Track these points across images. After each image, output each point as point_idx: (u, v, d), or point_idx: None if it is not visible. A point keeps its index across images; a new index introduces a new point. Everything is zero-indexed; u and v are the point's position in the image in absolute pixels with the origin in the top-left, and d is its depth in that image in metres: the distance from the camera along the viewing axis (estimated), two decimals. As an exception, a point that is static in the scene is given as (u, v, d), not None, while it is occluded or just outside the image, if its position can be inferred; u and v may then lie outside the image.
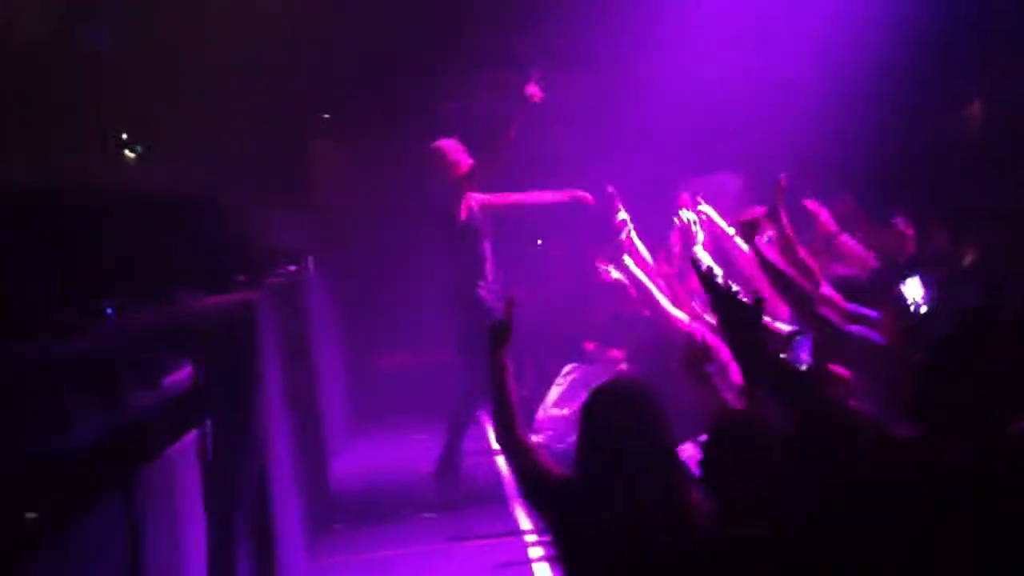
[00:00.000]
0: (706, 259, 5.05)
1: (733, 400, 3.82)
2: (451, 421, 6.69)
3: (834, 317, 4.03)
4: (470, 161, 6.51)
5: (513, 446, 3.07)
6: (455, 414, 6.69)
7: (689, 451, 3.24)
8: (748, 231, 4.59)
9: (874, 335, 3.86)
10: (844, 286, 4.48)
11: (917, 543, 2.27)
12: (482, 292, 6.50)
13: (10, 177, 5.08)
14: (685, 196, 5.49)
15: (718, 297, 2.87)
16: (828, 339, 3.85)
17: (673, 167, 8.63)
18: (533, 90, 6.53)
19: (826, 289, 4.32)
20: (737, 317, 2.80)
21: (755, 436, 2.76)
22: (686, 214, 5.31)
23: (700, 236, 5.13)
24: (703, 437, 2.97)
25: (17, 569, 2.43)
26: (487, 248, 6.59)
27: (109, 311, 3.39)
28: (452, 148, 6.58)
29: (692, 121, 8.94)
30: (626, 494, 2.70)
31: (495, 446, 7.72)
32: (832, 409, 2.70)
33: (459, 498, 6.35)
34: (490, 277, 6.59)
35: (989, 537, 2.25)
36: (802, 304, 4.07)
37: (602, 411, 2.81)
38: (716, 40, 8.80)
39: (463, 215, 6.49)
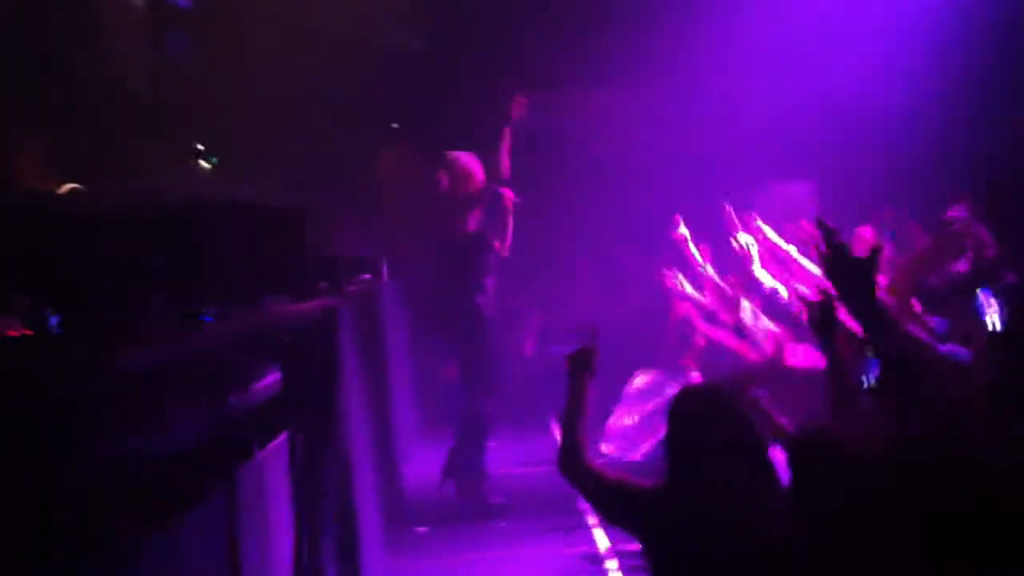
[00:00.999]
0: (767, 280, 5.10)
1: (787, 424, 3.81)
2: (462, 434, 6.70)
3: (923, 336, 3.98)
4: (482, 177, 6.69)
5: (580, 474, 3.07)
6: (467, 427, 6.71)
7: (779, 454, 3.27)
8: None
9: (964, 352, 3.81)
10: (923, 295, 4.47)
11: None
12: (480, 305, 6.64)
13: (103, 189, 5.26)
14: (728, 209, 5.53)
15: (832, 256, 2.80)
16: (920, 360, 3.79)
17: (744, 174, 8.66)
18: (517, 109, 6.81)
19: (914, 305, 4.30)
20: (851, 275, 2.75)
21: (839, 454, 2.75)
22: (743, 237, 5.36)
23: (756, 258, 5.18)
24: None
25: (127, 559, 2.54)
26: (490, 262, 6.74)
27: (205, 318, 3.51)
28: (468, 161, 6.76)
29: (765, 129, 8.95)
30: (716, 492, 2.73)
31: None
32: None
33: (524, 504, 6.43)
34: (490, 291, 6.73)
35: None
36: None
37: (691, 410, 2.86)
38: (789, 50, 8.83)
39: (468, 227, 6.68)
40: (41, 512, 2.17)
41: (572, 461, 3.08)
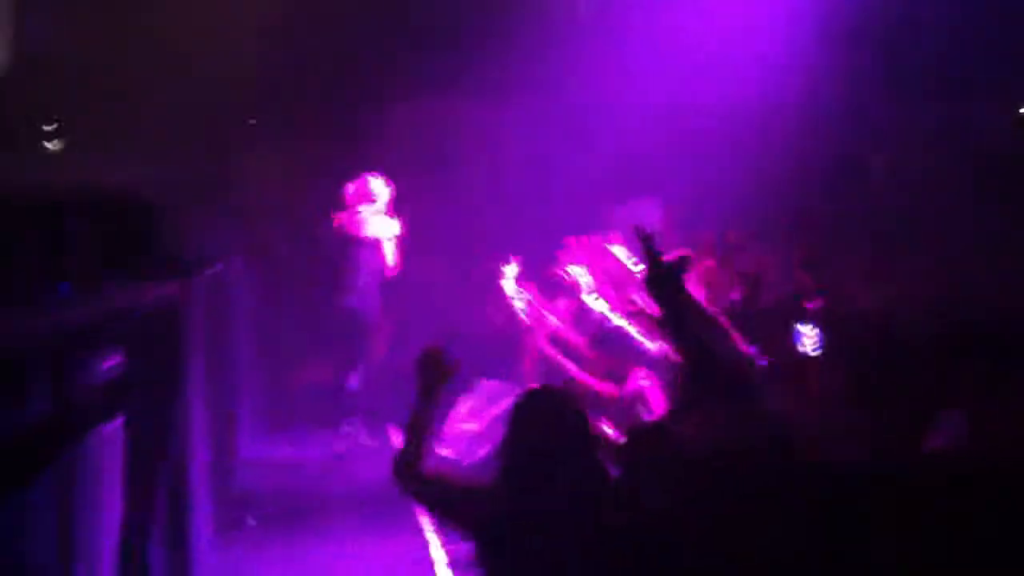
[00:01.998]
0: (598, 306, 5.36)
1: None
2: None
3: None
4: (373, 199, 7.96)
5: (416, 480, 3.13)
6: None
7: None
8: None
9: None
10: (733, 313, 4.77)
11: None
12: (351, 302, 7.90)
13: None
14: (571, 241, 5.80)
15: (648, 263, 3.10)
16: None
17: (594, 195, 8.92)
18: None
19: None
20: (665, 278, 3.03)
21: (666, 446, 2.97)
22: (572, 269, 5.63)
23: (587, 286, 5.44)
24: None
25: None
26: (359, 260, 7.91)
27: (61, 289, 3.54)
28: (374, 183, 8.01)
29: (612, 148, 9.21)
30: (550, 487, 2.89)
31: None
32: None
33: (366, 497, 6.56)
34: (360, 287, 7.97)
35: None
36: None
37: (532, 410, 3.03)
38: (640, 67, 9.11)
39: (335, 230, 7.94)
40: None
41: (409, 467, 3.12)
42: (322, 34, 9.86)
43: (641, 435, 3.08)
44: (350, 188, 8.04)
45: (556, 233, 6.38)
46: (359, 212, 7.93)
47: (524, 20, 9.84)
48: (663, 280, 3.07)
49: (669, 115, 9.21)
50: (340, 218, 8.02)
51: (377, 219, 8.02)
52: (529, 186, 9.12)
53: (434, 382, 3.21)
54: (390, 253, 8.04)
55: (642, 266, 3.12)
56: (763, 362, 4.16)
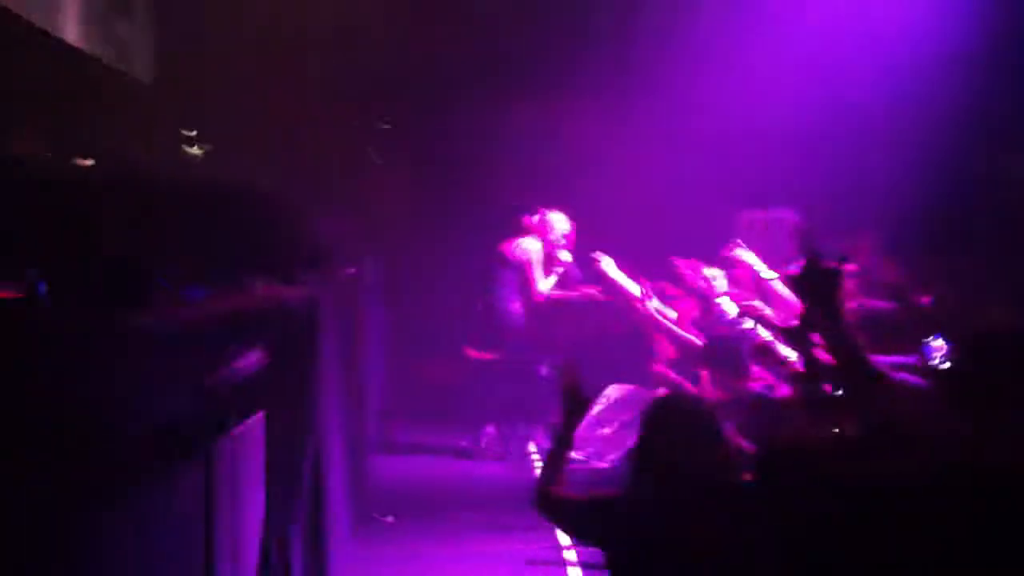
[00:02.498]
0: (731, 310, 5.25)
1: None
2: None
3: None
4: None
5: (553, 507, 3.18)
6: None
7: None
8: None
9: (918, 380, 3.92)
10: (871, 319, 4.61)
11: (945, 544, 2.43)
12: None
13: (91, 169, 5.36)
14: (679, 263, 5.71)
15: (804, 270, 3.01)
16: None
17: (730, 200, 8.79)
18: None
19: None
20: (819, 285, 2.94)
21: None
22: (707, 270, 5.53)
23: (720, 288, 5.33)
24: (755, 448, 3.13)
25: (102, 529, 2.65)
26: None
27: (193, 295, 3.62)
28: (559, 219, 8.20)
29: (752, 154, 9.07)
30: (683, 500, 2.83)
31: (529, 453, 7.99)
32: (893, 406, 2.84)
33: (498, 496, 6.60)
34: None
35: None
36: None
37: (666, 418, 2.98)
38: (782, 75, 8.96)
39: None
40: (18, 474, 2.27)
41: (546, 496, 3.17)
42: (453, 36, 9.97)
43: (778, 449, 2.97)
44: (532, 219, 8.27)
45: (687, 239, 6.31)
46: (529, 241, 8.17)
47: (651, 19, 9.76)
48: (819, 279, 2.96)
49: (805, 117, 9.03)
50: (509, 244, 8.24)
51: (544, 249, 8.23)
52: (659, 190, 9.02)
53: (573, 413, 3.27)
54: (543, 280, 8.18)
55: (777, 275, 3.04)
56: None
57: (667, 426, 2.98)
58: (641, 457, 2.98)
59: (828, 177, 8.91)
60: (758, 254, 7.65)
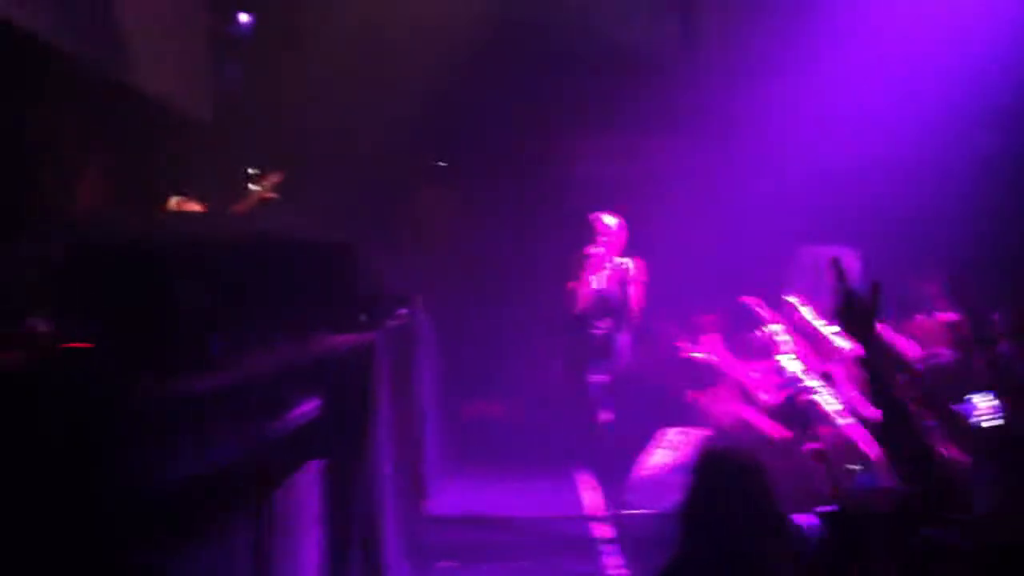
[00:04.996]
0: (792, 367, 5.18)
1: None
2: None
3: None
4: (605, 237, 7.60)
5: None
6: None
7: (802, 520, 3.29)
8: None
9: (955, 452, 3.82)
10: (935, 369, 4.52)
11: None
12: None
13: (151, 219, 5.46)
14: (749, 300, 5.64)
15: (842, 297, 2.96)
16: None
17: (791, 238, 8.73)
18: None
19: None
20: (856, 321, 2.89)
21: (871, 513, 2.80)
22: (770, 328, 5.46)
23: (782, 345, 5.26)
24: (824, 508, 3.06)
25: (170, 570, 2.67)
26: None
27: (249, 345, 3.66)
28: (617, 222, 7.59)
29: (813, 193, 9.00)
30: (731, 560, 2.77)
31: (584, 495, 7.92)
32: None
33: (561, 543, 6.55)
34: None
35: None
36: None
37: (713, 472, 2.91)
38: (835, 112, 8.91)
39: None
40: (84, 525, 2.29)
41: None
42: (503, 72, 10.03)
43: (857, 509, 2.90)
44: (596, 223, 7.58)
45: (747, 277, 6.25)
46: (590, 250, 7.54)
47: (709, 54, 9.76)
48: (855, 316, 2.89)
49: (871, 152, 8.96)
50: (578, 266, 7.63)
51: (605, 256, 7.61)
52: (717, 226, 8.97)
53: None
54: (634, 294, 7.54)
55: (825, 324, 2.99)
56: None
57: (712, 482, 2.89)
58: (686, 515, 2.91)
59: (897, 217, 8.81)
60: (818, 292, 7.58)
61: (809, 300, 7.59)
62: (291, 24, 9.24)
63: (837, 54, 8.90)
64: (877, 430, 3.77)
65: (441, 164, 10.71)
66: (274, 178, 7.01)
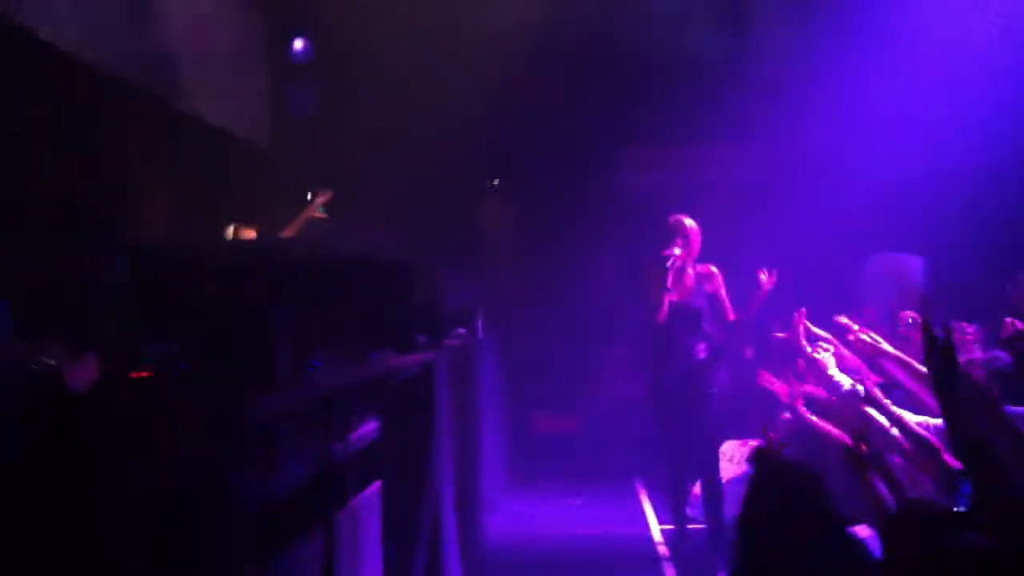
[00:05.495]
0: (846, 381, 5.10)
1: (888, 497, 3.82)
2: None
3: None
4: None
5: None
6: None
7: (865, 532, 3.25)
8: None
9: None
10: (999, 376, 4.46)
11: None
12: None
13: (215, 240, 5.56)
14: (799, 316, 5.55)
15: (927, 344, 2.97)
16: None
17: (856, 245, 8.63)
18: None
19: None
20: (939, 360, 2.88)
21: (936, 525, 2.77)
22: (821, 347, 5.37)
23: (831, 361, 5.17)
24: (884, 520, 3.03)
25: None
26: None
27: (312, 368, 3.70)
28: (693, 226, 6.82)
29: (878, 200, 8.91)
30: (796, 569, 2.74)
31: (647, 511, 7.89)
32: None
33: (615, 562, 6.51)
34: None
35: None
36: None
37: (770, 485, 2.88)
38: (900, 117, 8.81)
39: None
40: (157, 542, 2.35)
41: None
42: (558, 85, 10.05)
43: (915, 517, 2.86)
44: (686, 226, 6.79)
45: (811, 285, 6.16)
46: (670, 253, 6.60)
47: (770, 61, 9.70)
48: (942, 369, 2.88)
49: (937, 157, 8.84)
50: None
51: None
52: (777, 236, 8.88)
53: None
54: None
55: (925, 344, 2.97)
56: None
57: (770, 495, 2.84)
58: (745, 529, 2.87)
59: (959, 223, 8.67)
60: (884, 299, 7.48)
61: (879, 308, 7.52)
62: (348, 49, 9.35)
63: (887, 60, 8.82)
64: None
65: (495, 184, 10.76)
66: (323, 197, 7.01)
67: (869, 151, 8.94)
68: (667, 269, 6.52)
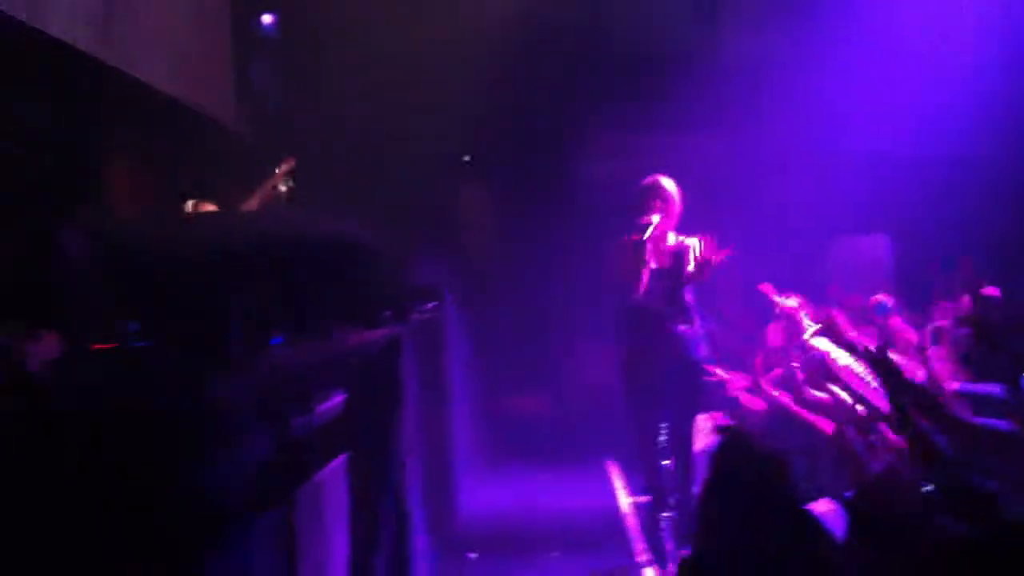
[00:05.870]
0: (822, 345, 5.12)
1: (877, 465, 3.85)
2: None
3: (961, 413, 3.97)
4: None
5: None
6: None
7: (824, 507, 3.26)
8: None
9: (1003, 424, 3.79)
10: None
11: None
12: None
13: (187, 219, 5.51)
14: (765, 288, 5.55)
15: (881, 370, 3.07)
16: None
17: (820, 228, 8.68)
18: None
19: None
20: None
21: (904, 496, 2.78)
22: (788, 301, 5.39)
23: (808, 324, 5.22)
24: (847, 494, 3.05)
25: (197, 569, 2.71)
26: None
27: (274, 343, 3.68)
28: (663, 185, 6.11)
29: (840, 182, 8.96)
30: (756, 547, 2.73)
31: (618, 488, 7.92)
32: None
33: (584, 537, 6.53)
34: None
35: None
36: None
37: (731, 460, 2.88)
38: (865, 101, 8.87)
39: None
40: (121, 519, 2.34)
41: None
42: (535, 71, 10.03)
43: (878, 497, 2.85)
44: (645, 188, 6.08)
45: (782, 273, 6.18)
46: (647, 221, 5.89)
47: (736, 49, 9.71)
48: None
49: (901, 142, 8.90)
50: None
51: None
52: (748, 221, 8.90)
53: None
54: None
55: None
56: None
57: (728, 473, 2.82)
58: (704, 506, 2.85)
59: (926, 205, 8.75)
60: (851, 279, 7.51)
61: (844, 289, 7.57)
62: (319, 23, 9.28)
63: (855, 45, 8.87)
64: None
65: (466, 160, 10.72)
66: (286, 166, 6.80)
67: (835, 137, 9.00)
68: (643, 241, 5.82)
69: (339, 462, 4.19)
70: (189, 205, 5.76)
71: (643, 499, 6.87)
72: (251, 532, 3.25)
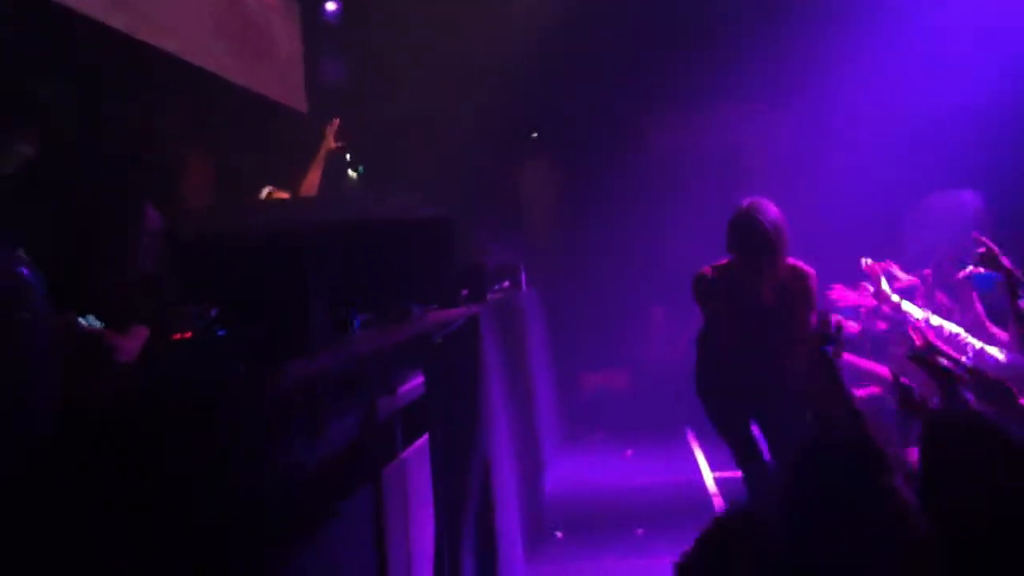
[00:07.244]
0: (915, 312, 5.01)
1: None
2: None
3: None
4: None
5: None
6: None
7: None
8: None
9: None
10: None
11: None
12: None
13: (258, 206, 5.56)
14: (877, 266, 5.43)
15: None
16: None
17: (902, 185, 8.52)
18: None
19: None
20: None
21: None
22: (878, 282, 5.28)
23: (893, 295, 5.11)
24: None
25: (283, 555, 2.73)
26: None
27: (355, 324, 3.69)
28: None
29: (933, 136, 8.77)
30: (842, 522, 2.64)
31: (700, 460, 7.85)
32: None
33: (668, 512, 6.47)
34: None
35: None
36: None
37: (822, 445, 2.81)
38: (943, 57, 8.67)
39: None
40: (206, 513, 2.35)
41: None
42: (598, 47, 9.95)
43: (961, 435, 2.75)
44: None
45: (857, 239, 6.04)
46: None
47: (799, 20, 9.52)
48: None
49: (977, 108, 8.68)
50: None
51: None
52: (813, 193, 8.74)
53: None
54: None
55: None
56: None
57: (824, 454, 2.74)
58: (795, 485, 2.79)
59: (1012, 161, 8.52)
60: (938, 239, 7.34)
61: (927, 248, 7.39)
62: (381, 7, 9.30)
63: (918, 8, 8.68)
64: None
65: (534, 136, 10.68)
66: (332, 127, 6.62)
67: (902, 97, 8.81)
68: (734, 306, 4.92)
69: (422, 441, 4.19)
70: (264, 192, 5.81)
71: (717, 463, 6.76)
72: (340, 511, 3.27)
